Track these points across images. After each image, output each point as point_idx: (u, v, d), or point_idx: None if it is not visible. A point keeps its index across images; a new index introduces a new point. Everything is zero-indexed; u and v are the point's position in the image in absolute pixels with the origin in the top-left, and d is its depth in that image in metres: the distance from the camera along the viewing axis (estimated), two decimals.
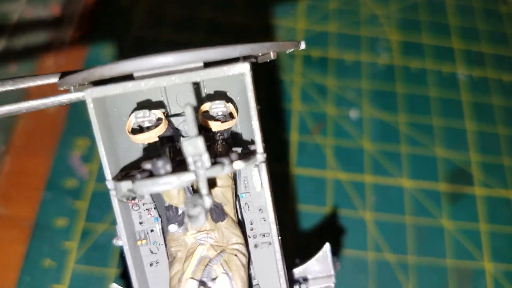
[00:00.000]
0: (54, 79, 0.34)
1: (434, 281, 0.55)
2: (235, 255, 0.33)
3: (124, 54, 0.66)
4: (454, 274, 0.56)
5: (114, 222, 0.36)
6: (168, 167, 0.28)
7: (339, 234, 0.56)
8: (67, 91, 0.33)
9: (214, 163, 0.27)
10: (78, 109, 0.60)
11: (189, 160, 0.26)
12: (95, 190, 0.55)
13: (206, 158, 0.26)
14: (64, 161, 0.57)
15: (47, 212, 0.54)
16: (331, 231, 0.57)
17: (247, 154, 0.31)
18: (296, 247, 0.55)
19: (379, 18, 0.74)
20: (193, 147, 0.26)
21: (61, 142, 0.58)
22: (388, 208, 0.58)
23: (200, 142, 0.26)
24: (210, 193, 0.27)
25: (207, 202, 0.26)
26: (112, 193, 0.31)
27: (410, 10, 0.76)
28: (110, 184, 0.31)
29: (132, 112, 0.33)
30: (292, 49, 0.35)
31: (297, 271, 0.38)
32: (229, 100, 0.34)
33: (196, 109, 0.33)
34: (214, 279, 0.32)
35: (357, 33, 0.72)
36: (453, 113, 0.67)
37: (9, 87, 0.34)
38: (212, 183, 0.31)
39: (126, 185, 0.28)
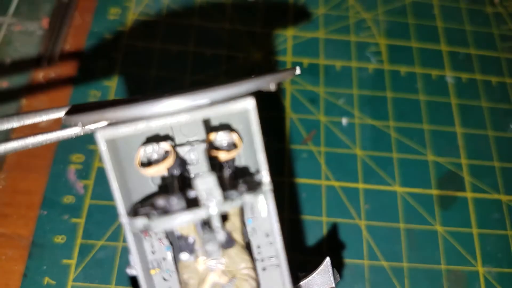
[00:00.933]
0: (59, 114, 0.35)
1: (429, 286, 0.56)
2: (246, 280, 0.34)
3: (117, 67, 0.65)
4: (448, 279, 0.57)
5: (125, 250, 0.35)
6: (183, 203, 0.29)
7: (338, 245, 0.57)
8: None
9: (225, 197, 0.28)
10: (72, 125, 0.60)
11: (202, 195, 0.28)
12: (91, 206, 0.56)
13: (218, 193, 0.28)
14: (59, 178, 0.57)
15: (44, 230, 0.54)
16: (329, 242, 0.57)
17: (254, 184, 0.32)
18: (294, 258, 0.55)
19: (367, 22, 0.75)
20: (206, 184, 0.28)
21: (56, 159, 0.58)
22: (382, 215, 0.59)
23: (212, 179, 0.27)
24: (223, 226, 0.28)
25: (221, 235, 0.28)
26: (127, 227, 0.31)
27: (398, 13, 0.77)
28: (124, 219, 0.31)
29: (141, 145, 0.34)
30: (291, 77, 0.35)
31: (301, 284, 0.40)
32: (232, 130, 0.35)
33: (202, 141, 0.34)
34: None
35: (346, 38, 0.73)
36: (443, 117, 0.67)
37: (14, 123, 0.35)
38: (224, 220, 0.32)
39: (141, 221, 0.30)
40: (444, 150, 0.65)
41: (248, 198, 0.30)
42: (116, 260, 0.53)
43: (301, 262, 0.55)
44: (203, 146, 0.29)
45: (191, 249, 0.33)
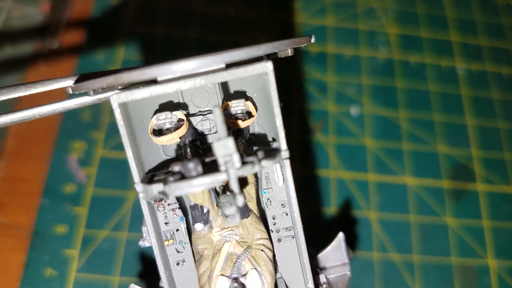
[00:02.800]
0: (68, 82, 0.34)
1: (440, 279, 0.55)
2: (262, 250, 0.33)
3: (118, 50, 0.63)
4: (459, 272, 0.56)
5: (136, 226, 0.34)
6: (200, 169, 0.28)
7: (347, 236, 0.56)
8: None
9: (243, 162, 0.28)
10: (73, 111, 0.58)
11: (220, 160, 0.27)
12: (94, 195, 0.54)
13: (236, 158, 0.27)
14: (61, 166, 0.55)
15: (45, 219, 0.52)
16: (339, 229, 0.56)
17: (271, 151, 0.32)
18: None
19: (376, 11, 0.73)
20: (224, 148, 0.27)
21: (57, 146, 0.56)
22: (392, 207, 0.58)
23: (230, 143, 0.27)
24: (242, 191, 0.28)
25: (240, 200, 0.27)
26: (141, 195, 0.31)
27: (407, 2, 0.75)
28: (139, 187, 0.30)
29: (154, 114, 0.33)
30: (306, 44, 0.35)
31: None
32: (247, 98, 0.34)
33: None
34: (244, 275, 0.33)
35: (355, 27, 0.71)
36: (453, 108, 0.66)
37: (21, 92, 0.33)
38: (242, 182, 0.32)
39: (157, 187, 0.29)
40: (454, 141, 0.63)
41: (265, 163, 0.29)
42: (120, 251, 0.51)
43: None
44: (219, 111, 0.27)
45: (205, 220, 0.33)
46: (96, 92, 0.31)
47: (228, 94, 0.36)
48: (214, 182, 0.27)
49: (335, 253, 0.39)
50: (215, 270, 0.33)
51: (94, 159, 0.56)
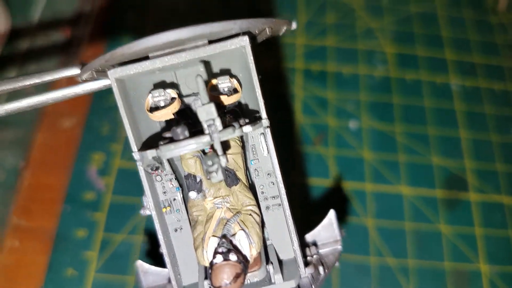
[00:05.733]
0: (76, 71, 0.37)
1: (433, 283, 0.58)
2: (250, 215, 0.36)
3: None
4: (452, 277, 0.59)
5: (139, 195, 0.37)
6: (186, 133, 0.31)
7: (343, 204, 0.60)
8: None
9: (226, 126, 0.31)
10: (93, 125, 0.63)
11: (204, 124, 0.30)
12: (112, 202, 0.59)
13: (218, 122, 0.30)
14: (81, 175, 0.60)
15: (67, 224, 0.57)
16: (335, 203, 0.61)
17: (254, 121, 0.35)
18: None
19: (374, 31, 0.78)
20: (207, 113, 0.30)
21: (78, 157, 0.61)
22: (388, 214, 0.62)
23: (212, 108, 0.30)
24: (224, 153, 0.31)
25: (223, 160, 0.30)
26: (139, 163, 0.34)
27: (404, 23, 0.79)
28: (136, 155, 0.34)
29: (149, 93, 0.36)
30: (285, 28, 0.38)
31: (307, 237, 0.41)
32: (232, 76, 0.37)
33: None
34: (233, 235, 0.35)
35: (354, 47, 0.76)
36: (447, 122, 0.70)
37: (36, 79, 0.37)
38: (224, 148, 0.33)
39: (151, 153, 0.32)
40: (448, 153, 0.67)
41: (246, 129, 0.32)
42: (136, 253, 0.56)
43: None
44: (200, 78, 0.31)
45: (199, 188, 0.36)
46: (99, 74, 0.35)
47: (216, 74, 0.38)
48: (199, 143, 0.30)
49: (326, 230, 0.40)
50: (207, 233, 0.35)
51: (112, 169, 0.61)
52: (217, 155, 0.30)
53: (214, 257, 0.33)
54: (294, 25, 0.39)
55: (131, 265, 0.55)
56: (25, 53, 0.68)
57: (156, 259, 0.39)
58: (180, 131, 0.31)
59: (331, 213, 0.41)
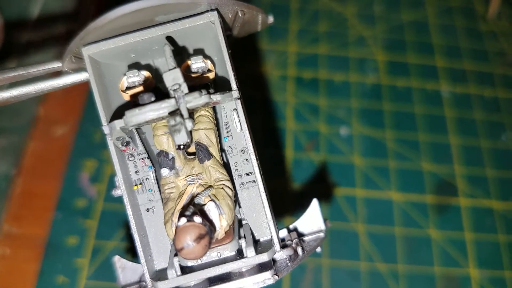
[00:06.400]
0: (58, 64, 0.38)
1: None
2: (222, 188, 0.36)
3: None
4: (442, 281, 0.59)
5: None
6: (153, 98, 0.32)
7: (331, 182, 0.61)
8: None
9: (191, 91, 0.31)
10: (86, 132, 0.64)
11: (170, 89, 0.31)
12: (104, 209, 0.59)
13: (184, 86, 0.31)
14: (73, 182, 0.60)
15: (58, 231, 0.57)
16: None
17: (224, 92, 0.35)
18: None
19: (366, 39, 0.79)
20: (173, 78, 0.31)
21: (70, 164, 0.62)
22: (378, 220, 0.62)
23: (178, 73, 0.31)
24: (190, 117, 0.31)
25: (188, 124, 0.30)
26: (108, 137, 0.35)
27: (395, 31, 0.80)
28: (105, 128, 0.34)
29: (124, 75, 0.37)
30: (260, 19, 0.39)
31: (290, 227, 0.41)
32: (207, 57, 0.38)
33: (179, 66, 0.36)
34: (203, 205, 0.35)
35: (345, 55, 0.77)
36: (437, 129, 0.71)
37: (21, 71, 0.37)
38: (191, 114, 0.33)
39: (118, 123, 0.33)
40: (438, 159, 0.68)
41: (214, 97, 0.32)
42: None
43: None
44: (168, 47, 0.32)
45: (171, 166, 0.36)
46: (77, 59, 0.36)
47: (191, 55, 0.39)
48: (165, 107, 0.30)
49: (310, 220, 0.40)
50: (177, 207, 0.35)
51: (104, 176, 0.61)
52: (182, 117, 0.30)
53: (178, 220, 0.32)
54: (271, 19, 0.41)
55: None
56: (23, 48, 0.69)
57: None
58: (147, 97, 0.32)
59: (314, 202, 0.41)
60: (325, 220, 0.40)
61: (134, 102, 0.36)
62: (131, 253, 0.49)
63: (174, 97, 0.31)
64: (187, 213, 0.32)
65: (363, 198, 0.63)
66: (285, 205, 0.62)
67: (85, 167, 0.62)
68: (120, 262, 0.37)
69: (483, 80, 0.77)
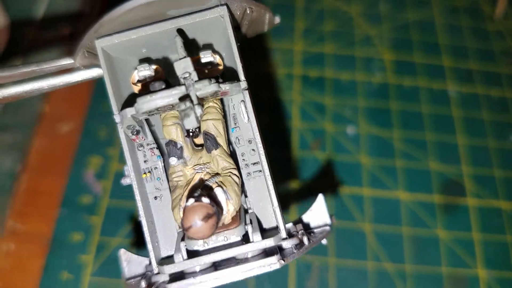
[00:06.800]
0: (70, 60, 0.38)
1: None
2: (229, 176, 0.37)
3: None
4: (449, 282, 0.59)
5: (124, 168, 0.37)
6: (164, 86, 0.32)
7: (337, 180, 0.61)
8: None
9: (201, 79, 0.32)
10: (91, 129, 0.64)
11: (180, 77, 0.32)
12: (109, 205, 0.59)
13: (194, 74, 0.32)
14: (78, 179, 0.60)
15: (63, 228, 0.57)
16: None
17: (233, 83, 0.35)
18: None
19: (372, 38, 0.78)
20: (183, 66, 0.32)
21: (75, 161, 0.61)
22: (386, 219, 0.62)
23: (189, 62, 0.32)
24: (199, 103, 0.32)
25: (198, 110, 0.31)
26: (119, 126, 0.35)
27: (402, 30, 0.80)
28: (117, 117, 0.35)
29: (135, 69, 0.38)
30: (267, 18, 0.40)
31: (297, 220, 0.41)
32: (215, 52, 0.39)
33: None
34: (211, 189, 0.35)
35: (352, 54, 0.76)
36: (445, 128, 0.70)
37: (34, 67, 0.38)
38: (200, 101, 0.34)
39: (129, 110, 0.33)
40: (446, 159, 0.67)
41: (223, 86, 0.33)
42: None
43: None
44: (179, 38, 0.33)
45: (179, 155, 0.36)
46: (90, 54, 0.37)
47: (199, 50, 0.39)
48: (175, 93, 0.31)
49: (316, 214, 0.40)
50: (185, 193, 0.36)
51: (109, 173, 0.61)
52: (192, 103, 0.31)
53: (186, 201, 0.32)
54: (277, 19, 0.42)
55: None
56: (28, 48, 0.69)
57: (142, 248, 0.39)
58: (158, 84, 0.33)
59: (320, 197, 0.41)
60: (330, 215, 0.40)
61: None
62: (136, 248, 0.49)
63: (184, 84, 0.32)
64: (195, 194, 0.33)
65: (370, 198, 0.63)
66: (290, 203, 0.62)
67: (90, 163, 0.61)
68: (125, 255, 0.38)
69: (490, 80, 0.76)
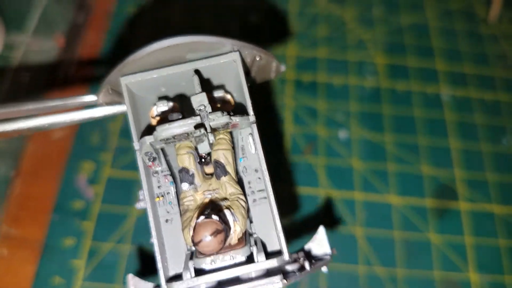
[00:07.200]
0: (93, 97, 0.43)
1: None
2: (236, 200, 0.39)
3: None
4: (441, 286, 0.59)
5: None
6: (181, 116, 0.37)
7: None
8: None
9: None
10: (84, 135, 0.64)
11: (196, 109, 0.36)
12: (101, 211, 0.59)
13: (209, 107, 0.36)
14: (71, 184, 0.60)
15: (55, 233, 0.57)
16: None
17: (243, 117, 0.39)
18: None
19: (365, 43, 0.79)
20: (199, 100, 0.36)
21: (68, 166, 0.62)
22: (377, 223, 0.62)
23: (204, 96, 0.36)
24: (212, 132, 0.37)
25: (211, 137, 0.37)
26: (138, 153, 0.39)
27: (395, 34, 0.80)
28: (136, 145, 0.39)
29: (154, 104, 0.42)
30: (274, 64, 0.44)
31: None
32: (227, 92, 0.43)
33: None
34: (219, 211, 0.38)
35: (344, 58, 0.76)
36: (437, 132, 0.70)
37: (58, 102, 0.44)
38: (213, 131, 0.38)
39: (148, 138, 0.37)
40: (438, 163, 0.67)
41: (234, 118, 0.37)
42: (123, 262, 0.56)
43: None
44: (196, 76, 0.38)
45: (191, 181, 0.40)
46: (113, 92, 0.41)
47: (212, 90, 0.43)
48: (191, 123, 0.36)
49: (317, 246, 0.42)
50: (195, 215, 0.38)
51: (101, 178, 0.61)
52: (206, 131, 0.36)
53: (197, 218, 0.35)
54: (283, 68, 0.46)
55: (118, 274, 0.55)
56: (18, 64, 0.69)
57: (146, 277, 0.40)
58: (175, 115, 0.37)
59: (321, 230, 0.42)
60: (331, 248, 0.42)
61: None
62: (140, 276, 0.50)
63: (199, 115, 0.36)
64: (205, 212, 0.36)
65: (361, 202, 0.63)
66: (283, 208, 0.62)
67: (83, 169, 0.62)
68: (133, 280, 0.39)
69: (483, 84, 0.76)
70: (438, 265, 0.60)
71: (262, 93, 0.71)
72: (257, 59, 0.42)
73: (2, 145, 0.63)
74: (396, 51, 0.78)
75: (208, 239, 0.34)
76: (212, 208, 0.38)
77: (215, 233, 0.34)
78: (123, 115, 0.66)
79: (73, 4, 0.76)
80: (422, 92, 0.74)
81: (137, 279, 0.40)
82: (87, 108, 0.44)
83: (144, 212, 0.39)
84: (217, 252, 0.36)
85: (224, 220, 0.36)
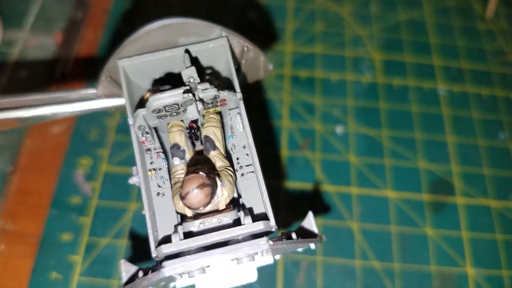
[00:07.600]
0: (93, 90, 0.46)
1: (419, 286, 0.58)
2: (224, 170, 0.41)
3: None
4: (438, 280, 0.59)
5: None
6: (170, 86, 0.39)
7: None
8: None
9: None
10: (81, 131, 0.64)
11: (186, 81, 0.39)
12: (98, 206, 0.59)
13: (197, 78, 0.39)
14: (68, 180, 0.61)
15: (53, 228, 0.57)
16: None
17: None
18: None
19: (362, 39, 0.79)
20: (189, 73, 0.39)
21: (66, 162, 0.62)
22: (374, 218, 0.62)
23: (193, 69, 0.39)
24: (201, 100, 0.39)
25: (199, 105, 0.39)
26: (132, 127, 0.41)
27: (392, 30, 0.80)
28: (130, 120, 0.40)
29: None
30: (261, 59, 0.47)
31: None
32: (217, 78, 0.46)
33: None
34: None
35: (342, 54, 0.77)
36: (434, 127, 0.71)
37: (61, 93, 0.47)
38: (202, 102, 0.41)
39: (141, 110, 0.39)
40: (435, 158, 0.68)
41: (222, 93, 0.40)
42: (120, 257, 0.56)
43: None
44: (187, 54, 0.40)
45: (182, 156, 0.41)
46: (112, 80, 0.44)
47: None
48: (181, 92, 0.38)
49: (306, 227, 0.42)
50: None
51: (99, 174, 0.61)
52: (195, 97, 0.38)
53: (186, 175, 0.37)
54: (270, 66, 0.50)
55: (115, 269, 0.55)
56: (16, 61, 0.70)
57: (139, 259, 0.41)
58: (167, 86, 0.39)
59: (310, 214, 0.43)
60: (320, 235, 0.42)
61: None
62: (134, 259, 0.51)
63: (189, 85, 0.38)
64: (194, 170, 0.38)
65: (358, 196, 0.63)
66: (279, 203, 0.62)
67: (80, 164, 0.62)
68: (125, 265, 0.39)
69: (480, 79, 0.77)
70: (434, 259, 0.60)
71: (259, 89, 0.71)
72: (245, 49, 0.44)
73: (0, 140, 0.63)
74: (393, 47, 0.78)
75: (195, 191, 0.35)
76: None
77: (202, 185, 0.35)
78: (120, 111, 0.66)
79: (71, 1, 0.76)
80: (419, 88, 0.74)
81: (129, 264, 0.40)
82: (87, 100, 0.47)
83: (140, 206, 0.39)
84: (205, 215, 0.38)
85: (210, 177, 0.37)
